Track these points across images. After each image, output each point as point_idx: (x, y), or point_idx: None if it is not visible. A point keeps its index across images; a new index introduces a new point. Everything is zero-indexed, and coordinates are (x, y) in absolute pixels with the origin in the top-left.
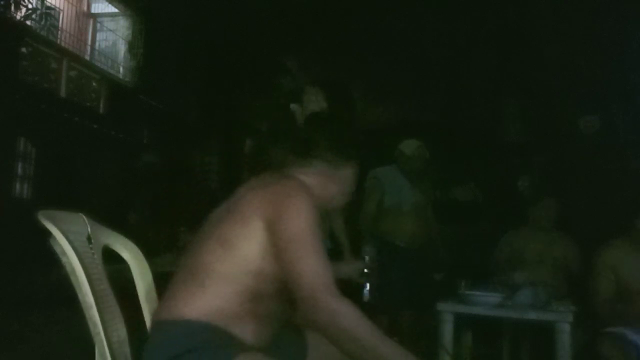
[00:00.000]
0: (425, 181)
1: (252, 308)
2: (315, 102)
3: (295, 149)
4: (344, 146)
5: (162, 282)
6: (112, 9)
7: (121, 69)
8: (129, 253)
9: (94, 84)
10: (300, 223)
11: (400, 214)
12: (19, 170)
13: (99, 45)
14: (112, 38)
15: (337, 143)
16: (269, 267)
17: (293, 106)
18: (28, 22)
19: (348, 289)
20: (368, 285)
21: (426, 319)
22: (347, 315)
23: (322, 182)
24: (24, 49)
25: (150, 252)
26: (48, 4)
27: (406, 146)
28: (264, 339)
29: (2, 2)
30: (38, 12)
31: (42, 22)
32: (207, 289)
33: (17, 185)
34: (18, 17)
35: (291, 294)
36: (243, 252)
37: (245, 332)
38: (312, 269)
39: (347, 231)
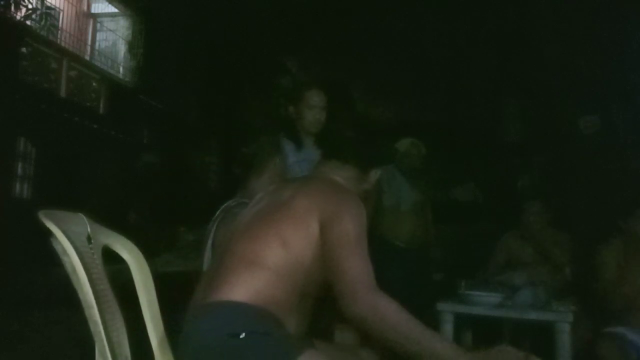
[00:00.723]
0: (424, 180)
1: (297, 304)
2: (310, 111)
3: (335, 152)
4: (372, 152)
5: (162, 282)
6: (112, 9)
7: (121, 69)
8: (129, 253)
9: (94, 84)
10: (352, 226)
11: (399, 214)
12: (19, 170)
13: (99, 45)
14: (112, 38)
15: (368, 149)
16: (318, 269)
17: (291, 109)
18: (28, 22)
19: None
20: None
21: (426, 319)
22: (387, 307)
23: (353, 184)
24: (24, 49)
25: (150, 252)
26: (48, 4)
27: (400, 144)
28: (299, 333)
29: (2, 2)
30: (38, 12)
31: (42, 22)
32: (261, 279)
33: (17, 185)
34: (18, 17)
35: (333, 291)
36: (298, 251)
37: (290, 324)
38: (357, 266)
39: None
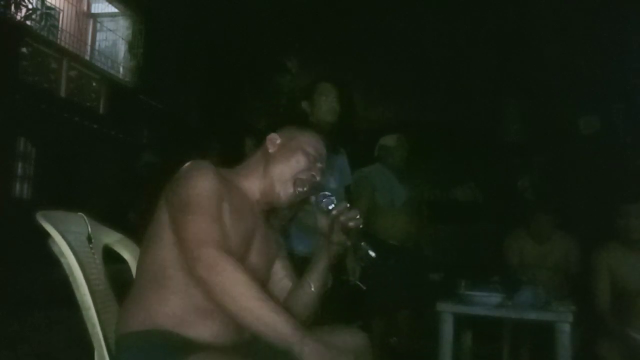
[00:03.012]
0: (412, 178)
1: (193, 300)
2: (326, 99)
3: None
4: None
5: None
6: (112, 9)
7: (121, 69)
8: (129, 253)
9: (94, 84)
10: (185, 190)
11: (392, 212)
12: (19, 170)
13: (99, 45)
14: (112, 38)
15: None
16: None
17: (304, 103)
18: (28, 22)
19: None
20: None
21: (425, 319)
22: (224, 271)
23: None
24: (24, 49)
25: None
26: (48, 4)
27: (389, 139)
28: (224, 336)
29: (2, 2)
30: (38, 12)
31: (42, 22)
32: (142, 294)
33: (17, 185)
34: (18, 17)
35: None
36: (155, 245)
37: (199, 332)
38: (196, 227)
39: None
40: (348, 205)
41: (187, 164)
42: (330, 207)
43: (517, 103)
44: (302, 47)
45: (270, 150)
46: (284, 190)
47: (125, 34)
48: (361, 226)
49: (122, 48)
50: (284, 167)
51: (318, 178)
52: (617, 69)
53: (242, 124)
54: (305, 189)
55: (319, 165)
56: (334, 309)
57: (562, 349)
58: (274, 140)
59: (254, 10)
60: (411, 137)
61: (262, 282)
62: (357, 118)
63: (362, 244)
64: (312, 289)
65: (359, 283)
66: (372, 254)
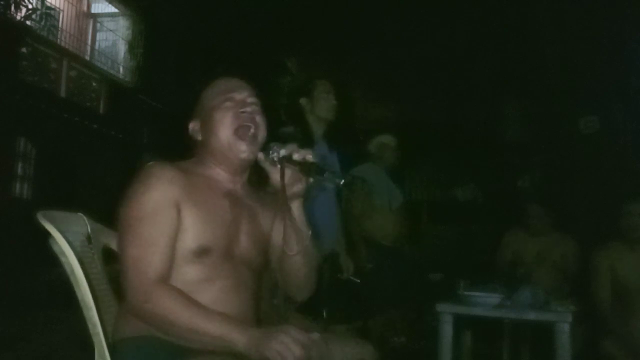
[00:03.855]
0: (412, 178)
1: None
2: (326, 96)
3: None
4: None
5: None
6: (112, 9)
7: (121, 69)
8: None
9: (94, 84)
10: (126, 209)
11: (388, 213)
12: (19, 170)
13: (99, 45)
14: (112, 38)
15: None
16: None
17: (303, 100)
18: (28, 22)
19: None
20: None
21: (425, 319)
22: (154, 303)
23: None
24: (24, 49)
25: None
26: (48, 4)
27: (385, 138)
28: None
29: (2, 2)
30: (38, 12)
31: (42, 22)
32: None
33: (17, 185)
34: (18, 17)
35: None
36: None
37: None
38: (133, 254)
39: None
40: (296, 145)
41: (140, 171)
42: (279, 154)
43: (517, 103)
44: (302, 47)
45: (199, 138)
46: (237, 147)
47: (125, 34)
48: (313, 160)
49: (122, 48)
50: (217, 132)
51: (248, 109)
52: (617, 69)
53: None
54: (250, 130)
55: (239, 98)
56: (334, 310)
57: (561, 349)
58: (195, 127)
59: (254, 10)
60: (411, 137)
61: (256, 267)
62: (356, 117)
63: (326, 173)
64: (292, 254)
65: (352, 278)
66: (342, 181)
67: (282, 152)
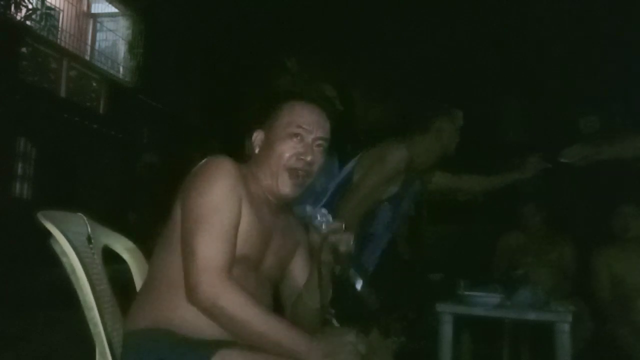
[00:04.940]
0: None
1: (178, 299)
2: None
3: None
4: None
5: None
6: (112, 9)
7: (121, 69)
8: (129, 253)
9: (94, 84)
10: (203, 197)
11: None
12: (19, 170)
13: (99, 45)
14: (112, 38)
15: None
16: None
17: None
18: (28, 22)
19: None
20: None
21: (425, 319)
22: (228, 299)
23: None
24: (24, 49)
25: (150, 252)
26: (48, 4)
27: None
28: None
29: (2, 2)
30: (38, 12)
31: (42, 23)
32: (143, 294)
33: (17, 185)
34: (18, 18)
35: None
36: (171, 246)
37: (214, 326)
38: (203, 247)
39: None
40: (343, 226)
41: (205, 161)
42: (322, 226)
43: (517, 103)
44: (302, 47)
45: (257, 151)
46: (282, 184)
47: (125, 34)
48: (352, 251)
49: (122, 48)
50: (273, 158)
51: (309, 158)
52: (617, 69)
53: (242, 123)
54: (302, 177)
55: (310, 138)
56: (334, 310)
57: (561, 349)
58: (258, 136)
59: (254, 10)
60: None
61: (274, 282)
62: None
63: (351, 271)
64: (309, 307)
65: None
66: (359, 285)
67: (324, 226)
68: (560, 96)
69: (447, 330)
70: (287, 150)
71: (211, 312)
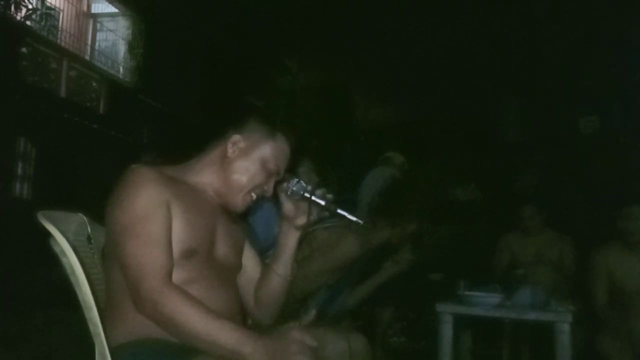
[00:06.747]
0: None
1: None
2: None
3: None
4: None
5: None
6: (112, 9)
7: (121, 69)
8: None
9: (94, 84)
10: (127, 211)
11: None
12: (19, 170)
13: (99, 45)
14: (112, 38)
15: None
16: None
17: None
18: (28, 22)
19: None
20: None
21: (425, 319)
22: (166, 304)
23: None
24: (24, 49)
25: None
26: (48, 4)
27: (396, 156)
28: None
29: (2, 2)
30: (38, 12)
31: (42, 23)
32: (119, 307)
33: (17, 185)
34: (18, 18)
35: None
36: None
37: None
38: (136, 257)
39: None
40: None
41: (124, 174)
42: (303, 190)
43: (517, 103)
44: (302, 47)
45: (229, 154)
46: (239, 200)
47: (125, 34)
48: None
49: (122, 48)
50: (240, 177)
51: (269, 193)
52: (617, 69)
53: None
54: (253, 200)
55: (276, 177)
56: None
57: (561, 349)
58: (237, 143)
59: (254, 10)
60: (411, 137)
61: (234, 271)
62: (356, 117)
63: (338, 210)
64: (279, 276)
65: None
66: (354, 218)
67: (306, 189)
68: (560, 96)
69: (447, 330)
70: (256, 180)
71: (156, 319)
